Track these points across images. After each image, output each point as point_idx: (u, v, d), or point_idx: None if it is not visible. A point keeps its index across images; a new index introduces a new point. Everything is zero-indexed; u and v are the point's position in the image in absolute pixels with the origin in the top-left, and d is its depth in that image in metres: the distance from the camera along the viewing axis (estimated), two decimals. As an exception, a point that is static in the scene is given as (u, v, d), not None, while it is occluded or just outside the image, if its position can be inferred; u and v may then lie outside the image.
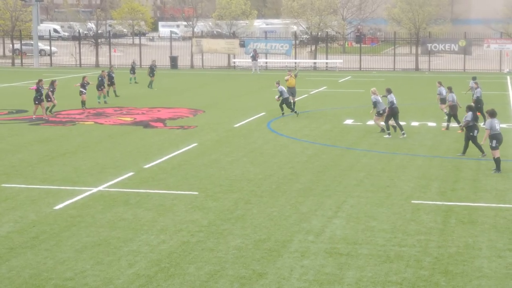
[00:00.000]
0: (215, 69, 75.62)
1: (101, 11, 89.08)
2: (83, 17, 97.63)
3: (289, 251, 15.98)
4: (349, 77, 64.72)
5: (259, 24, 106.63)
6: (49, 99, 37.69)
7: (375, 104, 31.25)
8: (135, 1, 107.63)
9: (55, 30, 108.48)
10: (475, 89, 34.97)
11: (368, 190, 21.52)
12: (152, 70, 53.81)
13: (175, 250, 16.01)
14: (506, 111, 38.72)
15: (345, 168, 24.74)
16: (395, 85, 54.96)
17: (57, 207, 19.56)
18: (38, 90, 36.74)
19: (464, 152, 26.60)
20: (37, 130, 32.97)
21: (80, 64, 77.87)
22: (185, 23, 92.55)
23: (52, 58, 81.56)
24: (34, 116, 36.76)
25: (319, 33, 79.55)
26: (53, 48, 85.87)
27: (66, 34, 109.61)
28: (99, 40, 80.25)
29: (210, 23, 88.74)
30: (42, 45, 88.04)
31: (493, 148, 23.91)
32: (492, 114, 24.33)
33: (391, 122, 31.05)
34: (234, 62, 77.70)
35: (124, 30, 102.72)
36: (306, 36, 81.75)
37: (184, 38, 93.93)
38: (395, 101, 30.94)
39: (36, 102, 36.78)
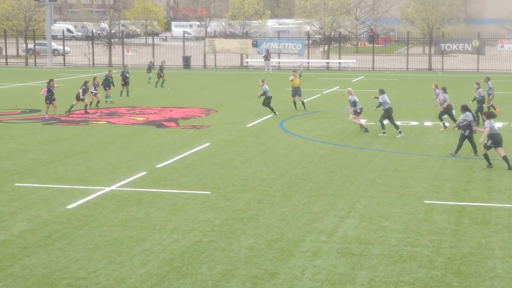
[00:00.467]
0: (228, 69, 75.65)
1: (114, 11, 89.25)
2: (97, 17, 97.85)
3: (301, 251, 15.97)
4: (362, 77, 64.62)
5: (272, 24, 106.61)
6: (82, 98, 38.00)
7: (354, 103, 31.71)
8: (148, 1, 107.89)
9: (69, 30, 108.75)
10: (476, 89, 34.79)
11: (380, 190, 21.48)
12: (161, 70, 54.00)
13: (187, 250, 16.03)
14: (519, 111, 38.55)
15: (358, 168, 24.70)
16: (408, 85, 54.88)
17: (70, 206, 19.61)
18: (49, 90, 36.85)
19: (456, 151, 26.66)
20: (50, 130, 33.07)
21: (93, 64, 78.03)
22: (198, 23, 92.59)
23: (66, 58, 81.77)
24: (47, 115, 36.89)
25: (332, 33, 79.46)
26: (67, 48, 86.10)
27: (80, 34, 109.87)
28: (112, 40, 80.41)
29: (223, 23, 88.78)
30: (56, 45, 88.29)
31: (487, 147, 24.39)
32: (489, 115, 24.89)
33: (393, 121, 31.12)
34: (247, 62, 77.69)
35: (137, 30, 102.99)
36: (319, 36, 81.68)
37: (197, 38, 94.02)
38: (388, 102, 31.15)
39: (48, 102, 36.91)
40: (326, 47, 79.57)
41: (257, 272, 14.63)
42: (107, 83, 43.82)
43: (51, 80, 37.58)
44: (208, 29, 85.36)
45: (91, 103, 39.84)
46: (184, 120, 36.38)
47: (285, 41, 77.96)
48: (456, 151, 26.50)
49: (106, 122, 35.62)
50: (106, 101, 43.09)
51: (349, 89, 32.76)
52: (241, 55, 78.35)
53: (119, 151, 27.88)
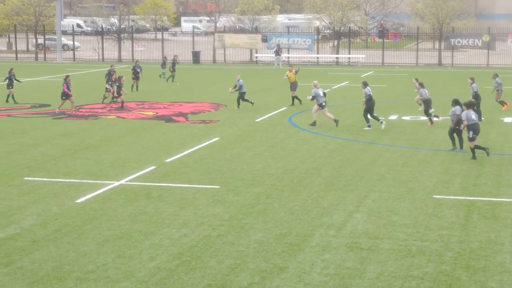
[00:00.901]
0: (237, 64, 75.63)
1: (124, 6, 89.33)
2: (106, 12, 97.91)
3: (310, 245, 15.97)
4: (372, 72, 64.53)
5: (281, 19, 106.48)
6: (119, 94, 38.08)
7: (315, 97, 31.91)
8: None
9: (78, 25, 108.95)
10: (471, 84, 34.67)
11: (390, 185, 21.46)
12: (173, 64, 54.08)
13: (196, 244, 16.05)
14: (530, 106, 38.43)
15: (367, 163, 24.68)
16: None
17: (79, 201, 19.66)
18: (68, 87, 36.85)
19: (454, 145, 26.74)
20: (60, 124, 33.14)
21: (103, 58, 78.13)
22: (207, 18, 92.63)
23: (75, 53, 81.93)
24: (58, 110, 36.95)
25: (342, 28, 79.36)
26: (76, 43, 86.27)
27: (89, 29, 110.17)
28: (122, 35, 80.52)
29: (233, 18, 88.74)
30: (65, 40, 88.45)
31: (471, 139, 24.81)
32: (469, 105, 25.13)
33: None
34: (256, 57, 77.68)
35: (147, 25, 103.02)
36: (328, 31, 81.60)
37: (206, 33, 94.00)
38: (371, 94, 31.45)
39: (64, 98, 36.93)
40: (335, 42, 79.48)
41: (266, 266, 14.64)
42: (110, 77, 43.77)
43: (67, 76, 37.68)
44: (217, 24, 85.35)
45: (105, 97, 39.83)
46: (193, 114, 36.41)
47: (294, 36, 77.92)
48: (456, 145, 26.52)
49: (115, 117, 35.68)
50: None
51: (315, 82, 32.93)
52: (251, 50, 78.35)
53: (128, 145, 27.93)
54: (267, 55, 76.74)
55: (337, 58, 77.13)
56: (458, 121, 25.91)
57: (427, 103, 32.78)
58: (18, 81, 42.20)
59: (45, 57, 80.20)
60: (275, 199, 19.83)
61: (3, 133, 30.52)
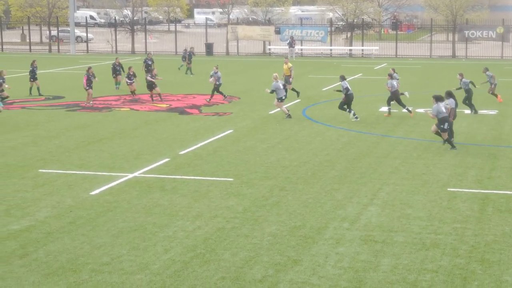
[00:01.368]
0: (251, 56, 75.59)
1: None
2: (119, 4, 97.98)
3: (324, 238, 15.97)
4: (385, 64, 64.35)
5: (294, 10, 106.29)
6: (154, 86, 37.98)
7: (274, 90, 32.13)
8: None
9: (92, 17, 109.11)
10: (460, 80, 34.49)
11: (403, 178, 21.42)
12: (190, 56, 54.13)
13: (210, 236, 16.07)
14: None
15: (381, 155, 24.64)
16: (431, 72, 54.57)
17: (93, 193, 19.72)
18: (88, 78, 36.85)
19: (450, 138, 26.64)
20: (74, 116, 33.22)
21: (116, 50, 78.21)
22: (220, 10, 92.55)
23: (89, 44, 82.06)
24: (91, 102, 36.89)
25: (355, 20, 79.15)
26: (90, 35, 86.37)
27: (102, 21, 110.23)
28: (135, 27, 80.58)
29: (246, 10, 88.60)
30: (79, 32, 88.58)
31: (443, 130, 25.26)
32: (438, 98, 25.47)
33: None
34: (269, 49, 77.60)
35: (160, 17, 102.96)
36: (341, 23, 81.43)
37: (219, 25, 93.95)
38: (349, 88, 31.64)
39: (87, 88, 36.88)
40: (349, 34, 79.29)
41: (280, 259, 14.65)
42: (115, 70, 43.75)
43: (89, 68, 37.72)
44: (230, 16, 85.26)
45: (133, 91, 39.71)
46: (206, 107, 36.41)
47: (307, 28, 77.76)
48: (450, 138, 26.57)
49: (129, 109, 35.73)
50: (116, 88, 43.14)
51: (275, 74, 33.23)
52: (264, 42, 78.25)
53: (142, 137, 27.98)
54: (280, 47, 76.64)
55: (350, 50, 76.94)
56: (453, 114, 26.01)
57: (395, 94, 32.85)
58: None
59: (58, 49, 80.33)
60: (289, 192, 19.83)
61: (17, 125, 30.62)
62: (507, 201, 18.82)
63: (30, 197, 19.32)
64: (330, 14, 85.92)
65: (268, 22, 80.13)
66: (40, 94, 40.35)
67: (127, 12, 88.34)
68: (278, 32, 77.96)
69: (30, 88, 40.86)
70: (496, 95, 37.70)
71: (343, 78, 32.06)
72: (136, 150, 25.55)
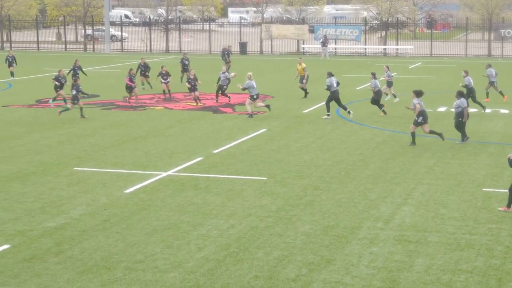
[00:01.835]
0: (284, 55, 75.55)
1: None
2: (154, 3, 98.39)
3: (357, 237, 15.92)
4: (420, 63, 63.99)
5: (328, 9, 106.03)
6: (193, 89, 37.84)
7: (247, 88, 32.45)
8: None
9: (126, 16, 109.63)
10: (464, 77, 34.07)
11: (438, 178, 21.29)
12: (228, 55, 54.16)
13: (243, 235, 16.10)
14: None
15: (415, 155, 24.50)
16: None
17: (127, 191, 19.83)
18: (131, 79, 36.88)
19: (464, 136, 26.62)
20: (109, 115, 33.43)
21: (151, 49, 78.54)
22: (254, 9, 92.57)
23: (123, 43, 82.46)
24: (130, 102, 36.92)
25: (390, 19, 78.76)
26: (124, 34, 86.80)
27: (137, 20, 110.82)
28: (169, 26, 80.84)
29: (280, 9, 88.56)
30: (114, 31, 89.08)
31: (418, 124, 25.73)
32: (418, 93, 26.02)
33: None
34: (303, 48, 77.47)
35: (194, 16, 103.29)
36: (376, 21, 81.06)
37: (253, 24, 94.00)
38: (335, 85, 31.89)
39: (128, 91, 36.90)
40: (383, 33, 78.93)
41: (313, 258, 14.64)
42: (141, 70, 43.41)
43: (130, 70, 37.77)
44: (264, 15, 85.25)
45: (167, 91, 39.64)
46: (240, 106, 36.44)
47: (342, 27, 77.51)
48: (463, 138, 26.42)
49: (163, 108, 35.87)
50: (143, 88, 43.16)
51: (249, 73, 33.53)
52: (298, 41, 78.13)
53: (176, 136, 28.09)
54: (314, 46, 76.46)
55: (384, 49, 76.56)
56: (461, 113, 25.81)
57: (377, 94, 32.91)
58: (84, 73, 42.20)
59: (93, 48, 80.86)
60: (323, 191, 19.80)
61: (53, 123, 30.89)
62: (543, 202, 18.61)
63: (65, 195, 19.48)
64: (365, 13, 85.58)
65: (302, 21, 80.00)
66: (82, 93, 40.25)
67: (162, 11, 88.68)
68: (312, 31, 77.78)
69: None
70: (502, 94, 37.33)
71: (330, 75, 32.36)
72: (170, 148, 25.65)
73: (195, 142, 26.82)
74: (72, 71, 40.87)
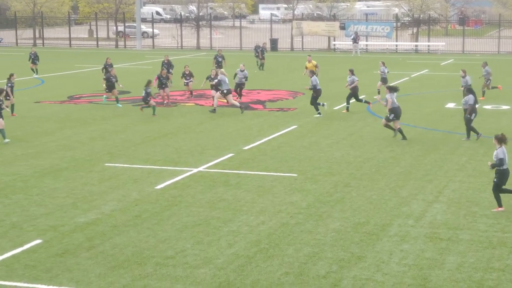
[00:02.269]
0: (315, 52, 75.36)
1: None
2: (185, 0, 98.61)
3: (388, 235, 15.86)
4: (452, 60, 63.58)
5: (360, 6, 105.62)
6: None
7: (220, 83, 33.09)
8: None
9: (158, 13, 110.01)
10: (463, 77, 33.46)
11: (470, 175, 21.15)
12: (262, 52, 54.18)
13: (274, 232, 16.10)
14: None
15: (446, 152, 24.35)
16: (499, 69, 53.71)
17: (158, 187, 19.91)
18: (159, 78, 36.83)
19: (477, 133, 26.36)
20: (140, 111, 33.51)
21: (182, 46, 78.75)
22: (285, 5, 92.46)
23: (154, 40, 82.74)
24: (166, 101, 36.68)
25: (421, 16, 78.31)
26: (155, 31, 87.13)
27: (168, 16, 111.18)
28: (200, 23, 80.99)
29: (311, 6, 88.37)
30: (145, 28, 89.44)
31: (388, 120, 26.40)
32: (392, 89, 26.67)
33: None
34: (334, 45, 77.27)
35: (225, 12, 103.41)
36: (407, 18, 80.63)
37: (284, 21, 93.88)
38: (318, 84, 32.07)
39: (160, 88, 36.84)
40: (415, 30, 78.50)
41: (344, 255, 14.60)
42: (165, 67, 42.98)
43: (162, 70, 37.63)
44: (295, 12, 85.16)
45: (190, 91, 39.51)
46: (271, 102, 36.44)
47: (373, 23, 77.22)
48: (477, 134, 26.29)
49: (194, 104, 35.95)
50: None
51: (222, 70, 34.02)
52: (329, 38, 77.95)
53: (206, 132, 28.15)
54: (345, 43, 76.23)
55: (416, 46, 76.14)
56: (471, 110, 25.62)
57: (354, 90, 33.06)
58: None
59: (125, 45, 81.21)
60: (353, 188, 19.75)
61: (85, 120, 31.09)
62: None
63: (96, 190, 19.60)
64: (396, 10, 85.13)
65: (333, 18, 79.78)
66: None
67: (193, 8, 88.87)
68: (343, 27, 77.53)
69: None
70: (495, 87, 37.31)
71: (312, 73, 32.86)
72: (201, 145, 25.71)
73: (226, 139, 26.86)
74: (104, 69, 40.82)
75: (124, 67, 56.22)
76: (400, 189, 19.59)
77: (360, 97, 33.55)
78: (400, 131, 26.38)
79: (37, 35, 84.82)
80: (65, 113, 32.92)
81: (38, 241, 15.50)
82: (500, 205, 17.61)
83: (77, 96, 39.03)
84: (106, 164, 22.72)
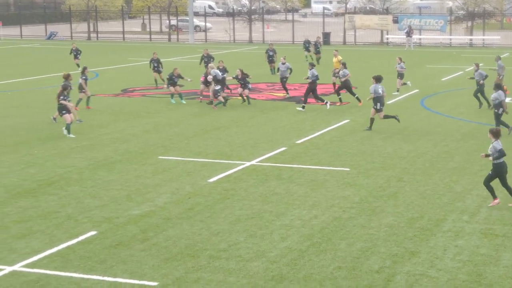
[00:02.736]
0: (368, 45, 74.96)
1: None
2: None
3: (442, 230, 15.73)
4: (507, 54, 62.67)
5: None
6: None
7: (215, 78, 33.08)
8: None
9: (210, 7, 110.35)
10: (476, 70, 32.61)
11: (526, 171, 20.81)
12: (316, 46, 53.99)
13: (326, 226, 16.07)
14: None
15: (503, 147, 23.96)
16: (556, 63, 52.88)
17: (211, 180, 20.00)
18: (205, 78, 36.84)
19: (508, 126, 26.12)
20: (192, 104, 33.71)
21: (234, 40, 78.90)
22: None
23: (207, 34, 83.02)
24: (201, 98, 36.72)
25: (476, 9, 77.37)
26: (208, 24, 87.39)
27: (221, 10, 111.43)
28: (253, 16, 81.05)
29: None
30: (197, 21, 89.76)
31: (378, 110, 26.83)
32: (377, 79, 27.21)
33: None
34: (387, 38, 76.73)
35: (277, 6, 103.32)
36: (462, 12, 79.72)
37: (336, 14, 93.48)
38: (315, 76, 32.02)
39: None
40: (469, 23, 77.58)
41: (397, 250, 14.52)
42: (204, 61, 42.63)
43: (207, 68, 37.58)
44: (348, 5, 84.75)
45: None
46: (323, 96, 36.30)
47: (426, 17, 76.48)
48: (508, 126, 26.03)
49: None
50: None
51: (211, 65, 34.45)
52: (381, 32, 77.43)
53: (259, 126, 28.18)
54: (398, 37, 75.64)
55: (470, 39, 75.24)
56: (498, 105, 25.22)
57: (346, 84, 33.35)
58: (161, 65, 41.01)
59: (177, 38, 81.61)
60: (407, 183, 19.61)
61: (138, 113, 31.34)
62: None
63: (150, 183, 19.76)
64: (450, 3, 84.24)
65: (386, 11, 79.23)
66: (156, 85, 40.00)
67: (245, 1, 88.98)
68: (396, 21, 76.90)
69: (155, 80, 40.40)
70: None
71: (312, 66, 32.57)
72: (253, 138, 25.75)
73: (278, 132, 26.86)
74: (151, 63, 40.28)
75: (177, 60, 56.51)
76: (454, 184, 19.40)
77: (354, 92, 33.84)
78: (372, 122, 27.09)
79: (91, 29, 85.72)
80: (119, 106, 33.23)
81: (93, 233, 15.69)
82: (495, 197, 17.40)
83: (131, 89, 39.38)
84: (160, 157, 22.89)
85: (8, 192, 18.99)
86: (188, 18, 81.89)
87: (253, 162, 22.13)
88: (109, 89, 39.25)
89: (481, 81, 31.71)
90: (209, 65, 34.65)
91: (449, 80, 40.68)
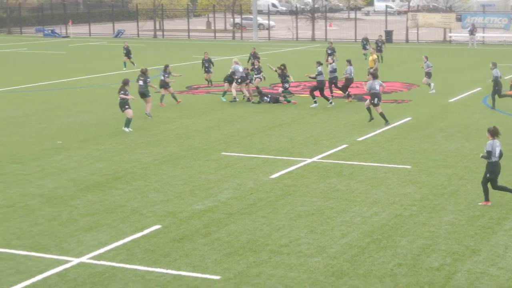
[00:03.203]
0: (431, 44, 74.37)
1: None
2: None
3: (504, 229, 15.72)
4: None
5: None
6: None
7: (234, 73, 33.58)
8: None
9: (273, 5, 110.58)
10: (492, 69, 31.82)
11: None
12: (377, 45, 53.84)
13: (387, 223, 16.19)
14: None
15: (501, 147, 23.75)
16: None
17: (273, 176, 20.25)
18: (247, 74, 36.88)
19: None
20: (254, 103, 33.92)
21: (297, 38, 78.99)
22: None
23: (270, 32, 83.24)
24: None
25: (542, 6, 76.19)
26: (271, 22, 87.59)
27: (284, 8, 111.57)
28: (316, 15, 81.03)
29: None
30: (261, 19, 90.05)
31: (375, 105, 27.48)
32: (374, 76, 27.89)
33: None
34: (450, 37, 76.02)
35: (340, 4, 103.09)
36: (527, 9, 78.56)
37: (399, 13, 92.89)
38: (323, 74, 32.25)
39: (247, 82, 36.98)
40: (535, 21, 76.36)
41: (458, 248, 14.57)
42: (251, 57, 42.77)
43: (254, 68, 37.53)
44: (410, 4, 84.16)
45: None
46: (385, 94, 36.24)
47: (490, 15, 75.51)
48: None
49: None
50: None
51: (236, 59, 34.45)
52: (444, 30, 76.73)
53: (321, 123, 28.34)
54: (461, 35, 74.86)
55: (535, 37, 74.05)
56: None
57: (348, 81, 33.88)
58: (212, 64, 40.99)
59: (241, 36, 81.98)
60: (468, 181, 19.59)
61: (202, 110, 31.75)
62: None
63: (213, 178, 20.09)
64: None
65: (449, 9, 78.48)
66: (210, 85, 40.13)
67: (308, 0, 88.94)
68: (459, 19, 76.13)
69: (206, 80, 40.48)
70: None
71: (319, 64, 32.70)
72: (314, 135, 25.93)
73: (340, 130, 26.99)
74: (203, 64, 40.17)
75: (241, 58, 56.88)
76: (516, 183, 19.31)
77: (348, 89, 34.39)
78: (370, 112, 27.72)
79: (157, 27, 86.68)
80: (184, 103, 33.65)
81: (157, 227, 16.07)
82: (487, 199, 17.30)
83: (195, 86, 39.83)
84: (223, 153, 23.22)
85: (76, 186, 19.53)
86: (252, 17, 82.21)
87: (315, 159, 22.32)
88: (174, 86, 39.55)
89: None
90: (234, 60, 34.70)
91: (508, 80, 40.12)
